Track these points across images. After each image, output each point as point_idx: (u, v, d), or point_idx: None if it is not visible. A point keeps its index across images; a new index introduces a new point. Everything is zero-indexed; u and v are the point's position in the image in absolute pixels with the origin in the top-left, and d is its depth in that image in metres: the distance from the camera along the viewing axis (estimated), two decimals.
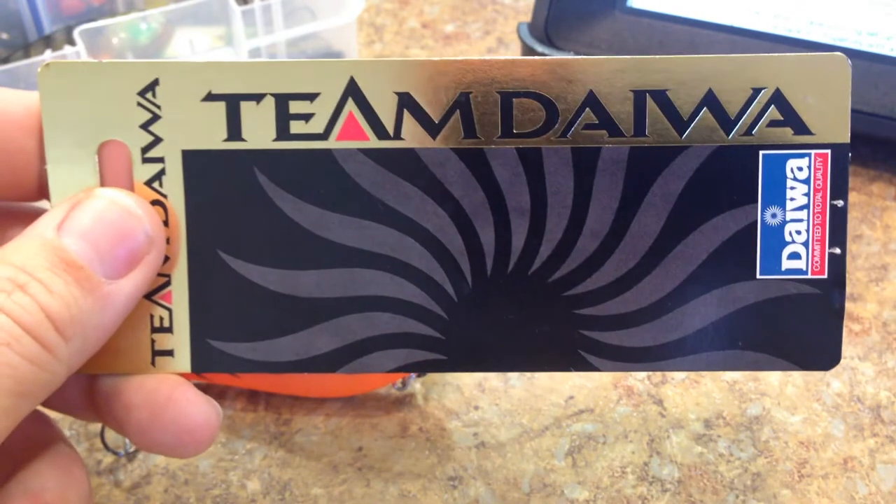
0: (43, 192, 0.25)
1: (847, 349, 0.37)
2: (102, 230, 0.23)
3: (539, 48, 0.47)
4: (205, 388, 0.36)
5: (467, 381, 0.36)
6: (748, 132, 0.25)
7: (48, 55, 0.43)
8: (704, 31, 0.45)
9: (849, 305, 0.39)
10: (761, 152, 0.25)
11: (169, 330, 0.25)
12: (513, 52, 0.53)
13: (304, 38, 0.49)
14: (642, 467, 0.34)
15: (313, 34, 0.49)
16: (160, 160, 0.25)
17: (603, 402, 0.36)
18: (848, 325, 0.38)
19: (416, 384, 0.36)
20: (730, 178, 0.25)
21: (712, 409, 0.35)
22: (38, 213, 0.24)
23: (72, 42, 0.44)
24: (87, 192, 0.24)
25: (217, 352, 0.25)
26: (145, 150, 0.25)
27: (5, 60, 0.48)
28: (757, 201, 0.25)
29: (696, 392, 0.36)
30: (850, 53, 0.44)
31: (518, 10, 0.56)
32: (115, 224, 0.23)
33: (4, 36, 0.50)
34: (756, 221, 0.25)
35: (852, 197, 0.44)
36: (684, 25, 0.45)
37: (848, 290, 0.39)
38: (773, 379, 0.36)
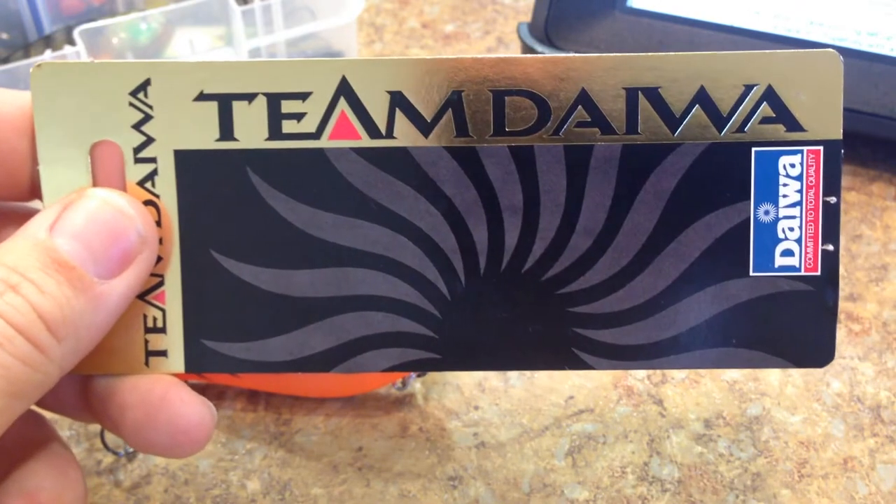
0: (36, 192, 0.25)
1: (847, 349, 0.37)
2: (95, 230, 0.23)
3: (539, 48, 0.47)
4: (204, 388, 0.36)
5: (467, 381, 0.36)
6: (740, 129, 0.25)
7: (48, 55, 0.43)
8: (704, 32, 0.45)
9: (849, 305, 0.39)
10: (754, 149, 0.25)
11: (162, 330, 0.25)
12: (513, 52, 0.53)
13: (304, 38, 0.49)
14: (642, 467, 0.34)
15: (313, 34, 0.49)
16: (152, 160, 0.25)
17: (603, 402, 0.36)
18: (848, 325, 0.38)
19: (416, 384, 0.36)
20: (722, 175, 0.25)
21: (712, 409, 0.35)
22: (31, 214, 0.24)
23: (72, 42, 0.44)
24: (80, 192, 0.24)
25: (211, 352, 0.25)
26: (137, 150, 0.25)
27: (5, 60, 0.48)
28: (750, 198, 0.25)
29: (696, 392, 0.36)
30: (850, 53, 0.45)
31: (518, 10, 0.56)
32: (108, 224, 0.23)
33: (4, 36, 0.50)
34: (749, 218, 0.25)
35: (852, 197, 0.44)
36: (684, 25, 0.45)
37: (848, 290, 0.39)
38: (773, 379, 0.36)
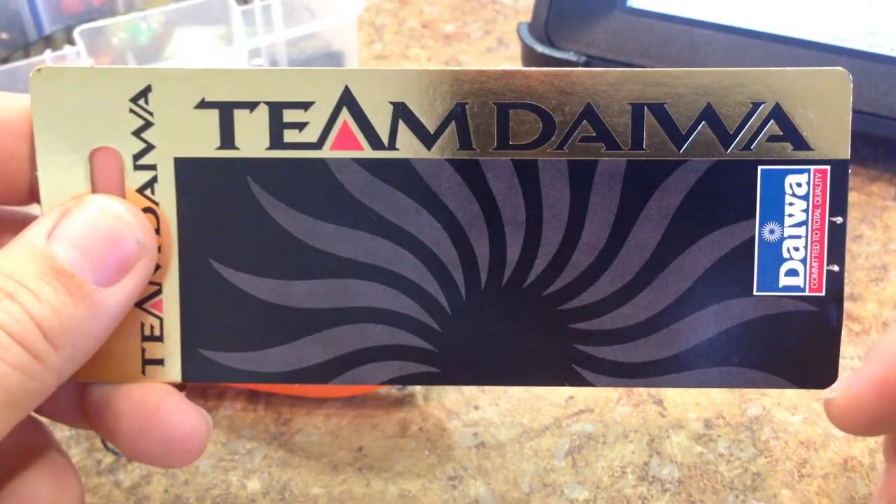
0: (34, 197, 0.25)
1: (847, 349, 0.37)
2: (93, 237, 0.23)
3: (539, 48, 0.47)
4: (204, 388, 0.36)
5: None
6: (747, 147, 0.24)
7: (48, 55, 0.43)
8: (704, 31, 0.45)
9: (849, 305, 0.39)
10: (760, 167, 0.25)
11: (160, 339, 0.25)
12: (513, 52, 0.53)
13: (304, 38, 0.49)
14: (642, 467, 0.34)
15: (313, 34, 0.49)
16: (152, 167, 0.25)
17: (603, 402, 0.36)
18: (848, 325, 0.38)
19: None
20: (728, 193, 0.25)
21: (712, 409, 0.35)
22: (28, 220, 0.24)
23: (72, 42, 0.44)
24: (78, 198, 0.24)
25: (208, 361, 0.25)
26: (137, 157, 0.25)
27: (5, 60, 0.48)
28: (755, 217, 0.25)
29: (696, 392, 0.36)
30: (850, 53, 0.45)
31: (518, 10, 0.56)
32: (106, 231, 0.23)
33: (4, 36, 0.50)
34: (754, 237, 0.25)
35: (852, 197, 0.44)
36: (684, 25, 0.45)
37: (848, 290, 0.39)
38: None
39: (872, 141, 0.45)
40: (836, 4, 0.44)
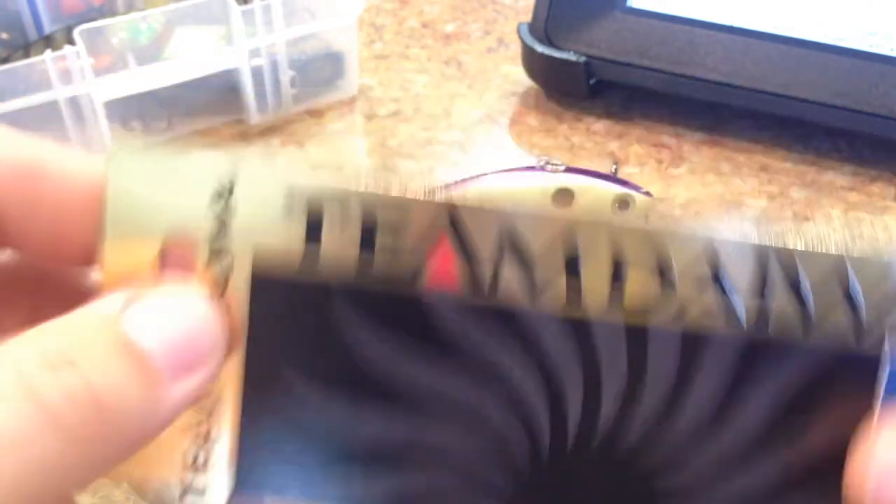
0: (86, 262, 0.23)
1: None
2: (170, 327, 0.21)
3: (539, 48, 0.47)
4: None
5: None
6: (877, 345, 0.22)
7: (48, 55, 0.43)
8: (704, 31, 0.45)
9: None
10: (887, 365, 0.22)
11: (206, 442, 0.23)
12: (513, 52, 0.53)
13: (304, 38, 0.49)
14: None
15: (313, 34, 0.49)
16: (228, 262, 0.23)
17: None
18: None
19: None
20: (849, 386, 0.22)
21: None
22: (68, 284, 0.23)
23: (72, 42, 0.44)
24: (153, 281, 0.22)
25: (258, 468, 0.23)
26: (214, 248, 0.23)
27: (5, 60, 0.48)
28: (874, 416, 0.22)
29: None
30: (850, 53, 0.45)
31: (518, 10, 0.56)
32: (184, 324, 0.22)
33: (4, 36, 0.51)
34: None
35: (853, 197, 0.44)
36: (684, 25, 0.45)
37: None
38: None
39: (872, 141, 0.45)
40: (836, 4, 0.44)
